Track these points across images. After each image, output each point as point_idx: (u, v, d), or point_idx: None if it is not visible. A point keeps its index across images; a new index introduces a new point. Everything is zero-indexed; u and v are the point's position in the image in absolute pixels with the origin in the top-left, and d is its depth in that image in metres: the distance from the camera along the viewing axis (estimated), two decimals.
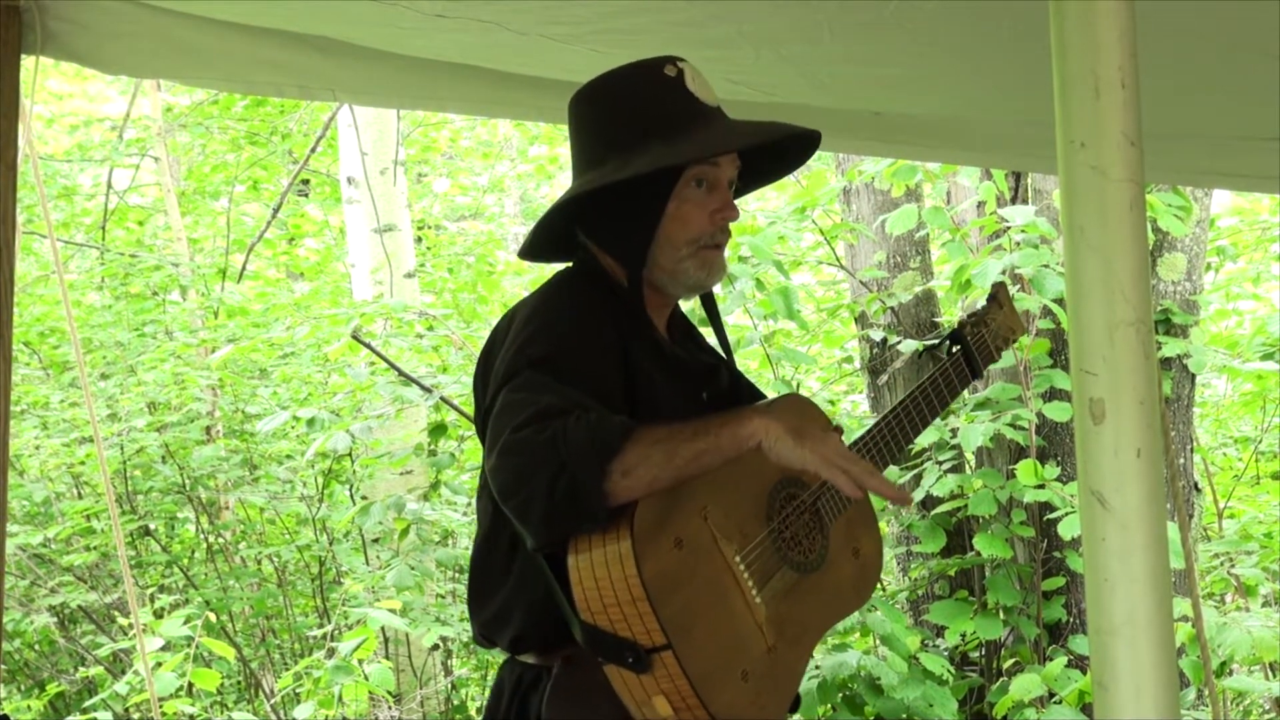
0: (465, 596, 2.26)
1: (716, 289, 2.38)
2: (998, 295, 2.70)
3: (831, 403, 6.48)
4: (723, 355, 2.33)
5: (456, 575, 6.26)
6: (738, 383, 2.31)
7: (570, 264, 2.25)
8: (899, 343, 5.69)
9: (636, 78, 2.16)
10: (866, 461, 1.99)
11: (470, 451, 6.20)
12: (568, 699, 2.02)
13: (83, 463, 6.30)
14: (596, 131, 2.17)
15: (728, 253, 2.24)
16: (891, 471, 5.37)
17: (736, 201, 2.21)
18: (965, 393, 5.65)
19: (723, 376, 2.28)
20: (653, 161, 2.08)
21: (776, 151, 2.28)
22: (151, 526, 6.44)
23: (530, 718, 2.07)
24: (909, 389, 2.48)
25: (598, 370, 2.01)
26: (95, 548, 6.19)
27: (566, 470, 1.82)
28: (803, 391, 6.38)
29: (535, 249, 2.27)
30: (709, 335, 2.39)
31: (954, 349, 2.56)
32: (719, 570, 2.00)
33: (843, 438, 2.27)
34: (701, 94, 2.15)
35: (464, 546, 5.90)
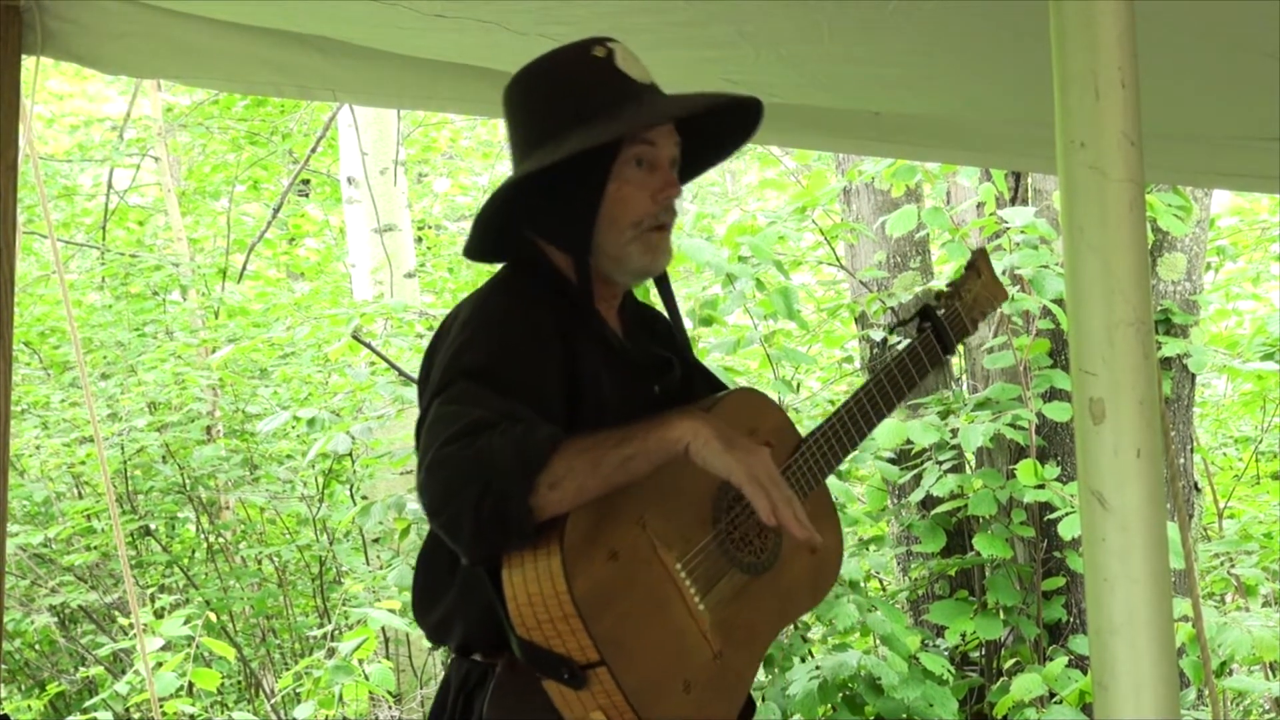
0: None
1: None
2: (976, 263, 2.59)
3: (831, 403, 6.47)
4: (680, 344, 2.24)
5: None
6: (691, 374, 2.23)
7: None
8: (899, 343, 5.68)
9: (565, 61, 2.09)
10: (789, 491, 1.90)
11: None
12: (510, 699, 1.98)
13: (83, 463, 6.30)
14: (528, 120, 2.10)
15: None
16: (891, 471, 5.38)
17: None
18: (965, 393, 5.67)
19: (675, 368, 2.20)
20: (583, 141, 2.00)
21: (723, 127, 2.18)
22: (152, 526, 6.44)
23: (474, 716, 2.03)
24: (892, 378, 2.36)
25: (535, 377, 1.95)
26: (95, 548, 6.19)
27: (493, 486, 1.77)
28: (802, 392, 6.38)
29: (482, 249, 2.16)
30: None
31: (924, 325, 2.47)
32: (659, 580, 1.94)
33: (802, 438, 2.19)
34: (633, 72, 2.07)
35: None
